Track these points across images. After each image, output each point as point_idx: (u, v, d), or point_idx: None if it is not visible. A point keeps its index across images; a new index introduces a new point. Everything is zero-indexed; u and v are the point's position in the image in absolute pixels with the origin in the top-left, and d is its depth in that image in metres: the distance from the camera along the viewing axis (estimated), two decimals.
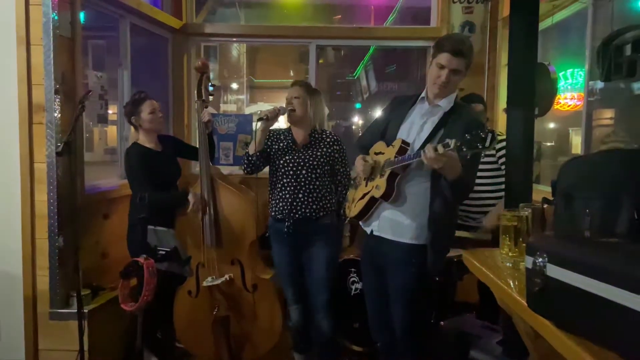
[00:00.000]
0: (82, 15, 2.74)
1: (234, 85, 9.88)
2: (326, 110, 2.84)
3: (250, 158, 2.57)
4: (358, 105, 10.25)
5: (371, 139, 2.26)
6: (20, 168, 2.57)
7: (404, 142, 2.03)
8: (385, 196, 2.02)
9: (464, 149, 1.67)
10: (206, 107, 2.82)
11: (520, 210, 1.52)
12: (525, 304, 1.11)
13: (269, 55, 10.08)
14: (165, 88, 3.97)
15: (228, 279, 2.69)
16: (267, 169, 2.69)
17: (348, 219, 2.46)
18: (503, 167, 2.85)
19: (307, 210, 2.56)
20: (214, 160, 2.97)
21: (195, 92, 2.80)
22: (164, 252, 2.35)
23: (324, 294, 2.60)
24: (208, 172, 2.72)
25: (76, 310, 2.41)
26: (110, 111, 3.40)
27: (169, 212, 2.74)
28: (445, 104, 2.05)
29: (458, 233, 2.51)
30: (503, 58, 3.64)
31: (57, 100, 2.53)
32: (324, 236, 2.60)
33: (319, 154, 2.59)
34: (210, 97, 2.84)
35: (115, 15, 3.28)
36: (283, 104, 2.66)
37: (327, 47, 7.06)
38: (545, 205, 1.48)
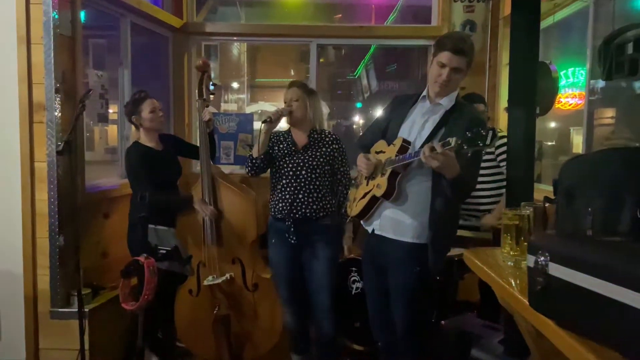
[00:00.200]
0: (82, 14, 2.75)
1: (235, 85, 9.88)
2: (325, 110, 2.85)
3: (254, 161, 2.58)
4: (359, 105, 10.24)
5: (372, 138, 2.26)
6: (20, 167, 2.57)
7: (404, 140, 2.02)
8: (387, 195, 2.01)
9: (465, 147, 1.67)
10: (207, 106, 2.82)
11: (522, 209, 1.52)
12: (527, 302, 1.11)
13: (269, 54, 10.07)
14: (165, 87, 3.97)
15: (229, 278, 2.69)
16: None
17: (350, 218, 2.46)
18: (502, 164, 2.85)
19: (307, 211, 2.56)
20: (214, 159, 2.97)
21: (196, 91, 2.80)
22: (164, 251, 2.35)
23: (325, 294, 2.60)
24: (209, 171, 2.71)
25: (77, 310, 2.41)
26: (110, 110, 3.40)
27: (170, 211, 2.74)
28: (447, 102, 2.05)
29: (459, 232, 2.51)
30: (504, 57, 3.63)
31: (58, 99, 2.53)
32: (325, 236, 2.60)
33: (318, 154, 2.59)
34: (211, 96, 2.84)
35: (116, 14, 3.28)
36: (283, 103, 2.66)
37: (327, 46, 7.04)
38: (547, 204, 1.47)
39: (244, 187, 2.92)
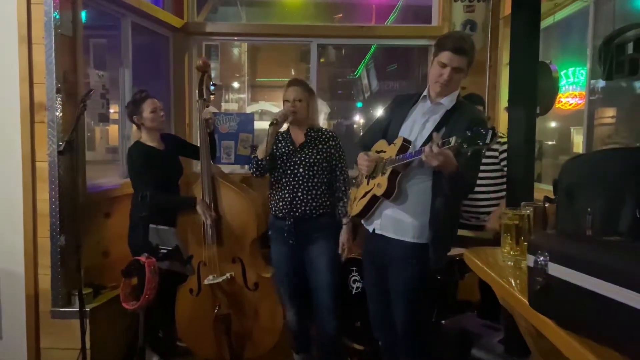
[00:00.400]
0: (83, 14, 2.75)
1: (235, 84, 9.88)
2: (325, 109, 2.86)
3: (259, 162, 2.60)
4: (359, 104, 10.23)
5: (373, 138, 2.26)
6: (22, 167, 2.58)
7: (405, 140, 2.03)
8: (387, 194, 2.01)
9: (465, 146, 1.68)
10: (207, 106, 2.82)
11: (522, 209, 1.52)
12: (527, 302, 1.11)
13: (270, 54, 10.07)
14: (166, 87, 3.97)
15: (229, 277, 2.69)
16: None
17: (350, 217, 2.46)
18: (506, 168, 2.85)
19: (307, 208, 2.56)
20: (215, 159, 2.98)
21: (197, 91, 2.80)
22: (165, 251, 2.35)
23: (326, 293, 2.60)
24: (209, 171, 2.72)
25: (78, 309, 2.42)
26: (111, 110, 3.41)
27: (171, 210, 2.74)
28: (447, 102, 2.05)
29: (460, 232, 2.51)
30: (504, 57, 3.63)
31: (59, 99, 2.53)
32: (325, 234, 2.61)
33: (315, 151, 2.60)
34: (212, 96, 2.84)
35: (117, 14, 3.28)
36: (283, 101, 2.66)
37: (328, 46, 7.03)
38: (547, 204, 1.48)
39: (244, 186, 2.92)
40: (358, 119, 10.09)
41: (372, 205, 2.12)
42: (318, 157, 2.60)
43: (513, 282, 1.31)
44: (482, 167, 2.65)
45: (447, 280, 2.78)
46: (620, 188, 1.13)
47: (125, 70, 3.37)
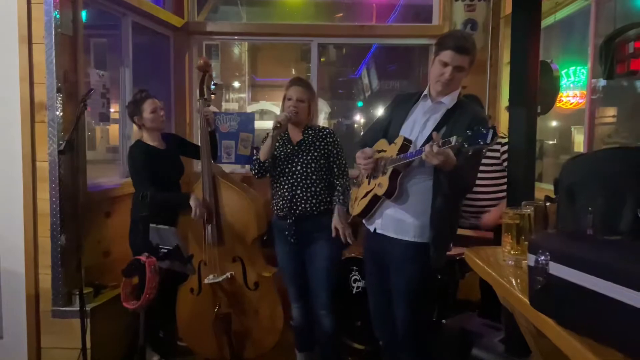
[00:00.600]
0: (83, 14, 2.75)
1: (236, 84, 9.89)
2: (323, 108, 2.86)
3: (262, 164, 2.60)
4: (360, 104, 10.25)
5: (373, 137, 2.26)
6: (22, 166, 2.58)
7: (405, 139, 2.02)
8: (388, 194, 2.01)
9: (466, 145, 1.67)
10: (208, 106, 2.82)
11: (523, 208, 1.51)
12: (528, 302, 1.11)
13: (270, 53, 10.08)
14: (167, 86, 3.97)
15: (230, 276, 2.69)
16: None
17: (351, 216, 2.46)
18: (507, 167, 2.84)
19: (307, 206, 2.56)
20: (215, 158, 2.98)
21: (197, 90, 2.81)
22: (166, 250, 2.35)
23: (327, 291, 2.60)
24: (210, 170, 2.72)
25: (78, 309, 2.42)
26: (112, 110, 3.41)
27: (171, 210, 2.74)
28: (448, 101, 2.05)
29: (460, 231, 2.51)
30: (505, 56, 3.63)
31: (59, 98, 2.53)
32: (326, 233, 2.60)
33: (312, 148, 2.60)
34: (212, 96, 2.85)
35: (117, 14, 3.28)
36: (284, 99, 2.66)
37: (328, 46, 7.04)
38: (548, 203, 1.47)
39: (244, 186, 2.92)
40: (358, 118, 10.10)
41: (373, 205, 2.12)
42: (316, 154, 2.60)
43: (514, 282, 1.31)
44: (483, 167, 2.64)
45: (448, 280, 2.78)
46: (621, 187, 1.13)
47: (126, 70, 3.37)
